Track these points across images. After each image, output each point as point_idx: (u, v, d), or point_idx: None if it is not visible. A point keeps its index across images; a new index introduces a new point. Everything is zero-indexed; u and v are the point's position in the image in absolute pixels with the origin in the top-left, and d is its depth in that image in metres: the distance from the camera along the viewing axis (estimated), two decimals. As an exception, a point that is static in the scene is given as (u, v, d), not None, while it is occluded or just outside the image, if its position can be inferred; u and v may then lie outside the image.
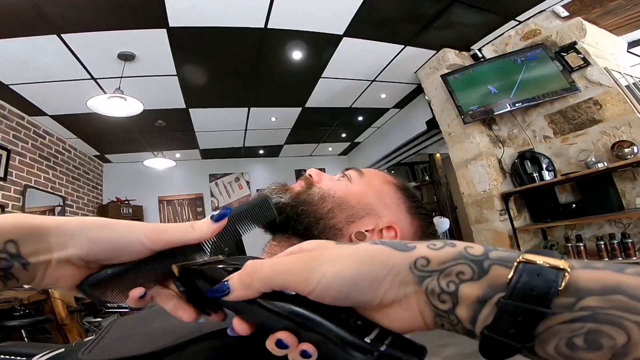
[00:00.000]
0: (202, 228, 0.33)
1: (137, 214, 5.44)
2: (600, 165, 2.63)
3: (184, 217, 5.98)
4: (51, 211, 4.20)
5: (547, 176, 3.04)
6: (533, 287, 0.21)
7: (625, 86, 2.75)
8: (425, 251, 0.24)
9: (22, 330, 2.47)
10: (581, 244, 2.73)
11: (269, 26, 2.72)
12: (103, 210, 5.09)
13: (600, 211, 2.69)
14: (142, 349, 0.39)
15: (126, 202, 5.36)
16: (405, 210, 0.57)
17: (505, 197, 3.19)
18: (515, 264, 0.22)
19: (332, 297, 0.24)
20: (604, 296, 0.19)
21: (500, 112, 3.23)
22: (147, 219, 5.67)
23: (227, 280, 0.27)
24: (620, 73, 2.86)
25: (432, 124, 4.13)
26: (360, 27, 2.88)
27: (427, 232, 0.57)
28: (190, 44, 2.85)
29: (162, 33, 2.62)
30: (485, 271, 0.22)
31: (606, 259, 2.56)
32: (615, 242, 2.53)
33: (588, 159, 2.76)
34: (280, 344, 0.25)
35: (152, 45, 2.76)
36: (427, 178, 6.11)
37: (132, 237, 0.30)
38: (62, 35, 2.51)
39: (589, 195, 2.83)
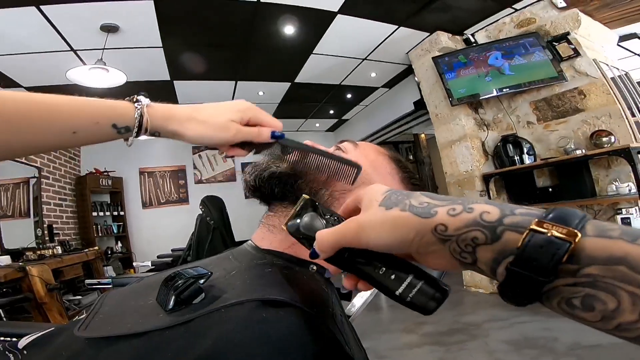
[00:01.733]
0: (264, 137, 0.51)
1: (116, 186, 5.31)
2: (578, 152, 2.77)
3: (166, 189, 5.88)
4: (25, 182, 4.04)
5: (527, 160, 3.18)
6: (535, 258, 0.22)
7: (610, 78, 2.85)
8: (444, 218, 0.27)
9: (0, 310, 2.39)
10: (553, 228, 2.91)
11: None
12: (80, 182, 4.92)
13: (574, 196, 2.86)
14: (144, 324, 0.37)
15: (105, 173, 5.20)
16: (399, 180, 0.60)
17: (486, 178, 3.33)
18: (526, 232, 0.23)
19: (382, 249, 0.30)
20: (606, 266, 0.21)
21: (487, 96, 3.30)
22: (127, 191, 5.54)
23: (314, 247, 0.34)
24: (607, 65, 2.96)
25: (420, 105, 4.17)
26: (355, 4, 2.81)
27: None
28: (178, 16, 2.72)
29: (149, 4, 2.49)
30: (498, 236, 0.25)
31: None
32: (585, 227, 2.71)
33: (567, 145, 2.90)
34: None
35: (137, 17, 2.62)
36: (410, 157, 6.24)
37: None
38: (40, 6, 2.35)
39: (565, 180, 2.99)
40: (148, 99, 0.46)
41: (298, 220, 0.37)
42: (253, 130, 0.50)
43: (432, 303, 0.29)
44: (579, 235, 0.22)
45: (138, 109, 0.44)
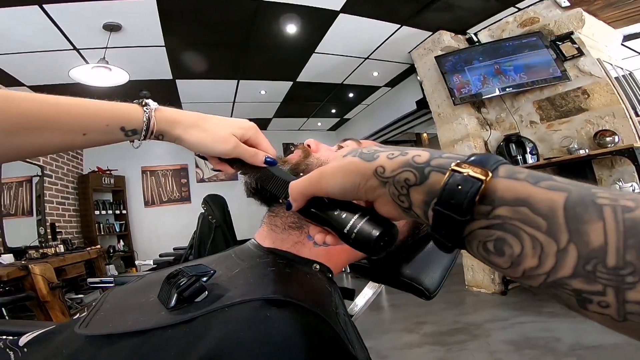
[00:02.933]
0: (257, 160, 0.52)
1: (118, 185, 5.33)
2: (581, 152, 2.76)
3: (168, 188, 5.89)
4: (28, 181, 4.06)
5: (530, 159, 3.17)
6: (453, 196, 0.23)
7: (614, 78, 2.83)
8: (383, 161, 0.28)
9: (2, 308, 2.39)
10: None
11: (264, -2, 2.62)
12: (83, 181, 4.95)
13: (576, 196, 2.85)
14: (145, 322, 0.37)
15: (108, 172, 5.22)
16: None
17: (488, 179, 3.32)
18: (448, 172, 0.24)
19: (339, 195, 0.32)
20: (513, 207, 0.21)
21: (490, 96, 3.29)
22: (129, 190, 5.56)
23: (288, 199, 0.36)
24: (611, 65, 2.94)
25: (422, 104, 4.15)
26: (358, 3, 2.80)
27: None
28: (181, 14, 2.72)
29: (152, 3, 2.49)
30: (425, 177, 0.25)
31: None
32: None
33: (571, 145, 2.88)
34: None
35: (140, 16, 2.62)
36: (412, 156, 6.21)
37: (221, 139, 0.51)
38: (43, 5, 2.36)
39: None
40: (156, 103, 0.48)
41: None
42: (250, 150, 0.52)
43: (374, 233, 0.30)
44: (490, 174, 0.22)
45: (146, 113, 0.46)
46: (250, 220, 3.89)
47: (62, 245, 3.70)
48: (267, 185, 0.49)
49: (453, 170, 0.24)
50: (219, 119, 0.51)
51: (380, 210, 0.30)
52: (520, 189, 0.21)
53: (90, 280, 2.56)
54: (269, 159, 0.52)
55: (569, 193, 0.20)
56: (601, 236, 0.18)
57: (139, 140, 0.47)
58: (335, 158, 0.33)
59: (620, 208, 0.18)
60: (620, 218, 0.18)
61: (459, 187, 0.23)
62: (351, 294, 0.72)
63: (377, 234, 0.30)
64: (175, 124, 0.48)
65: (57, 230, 4.06)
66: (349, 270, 0.62)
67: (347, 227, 0.31)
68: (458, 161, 0.24)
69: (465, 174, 0.23)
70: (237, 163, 0.53)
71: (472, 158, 0.24)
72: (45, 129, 0.39)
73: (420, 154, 0.27)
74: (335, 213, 0.33)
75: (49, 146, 0.41)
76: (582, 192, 0.20)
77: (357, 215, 0.32)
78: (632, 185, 2.53)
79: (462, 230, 0.23)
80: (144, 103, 0.47)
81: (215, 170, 0.52)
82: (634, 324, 0.17)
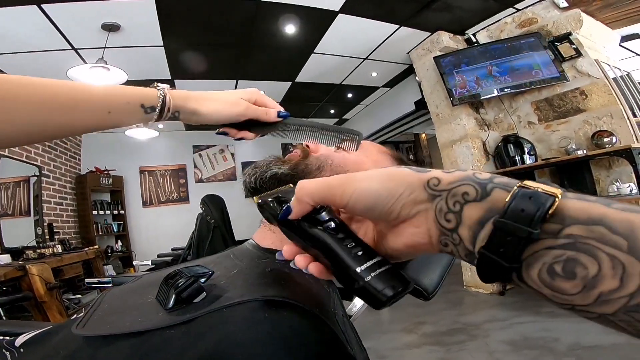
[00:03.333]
0: (272, 116, 0.55)
1: (117, 185, 5.31)
2: (579, 152, 2.76)
3: (166, 188, 5.88)
4: (26, 181, 4.04)
5: (528, 160, 3.17)
6: (523, 208, 0.22)
7: (612, 78, 2.84)
8: (438, 173, 0.27)
9: (0, 309, 2.37)
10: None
11: (263, -2, 2.62)
12: (81, 181, 4.93)
13: (575, 196, 2.86)
14: (143, 323, 0.37)
15: (106, 172, 5.20)
16: None
17: (487, 179, 3.33)
18: (515, 188, 0.23)
19: (362, 208, 0.28)
20: (587, 226, 0.20)
21: (488, 96, 3.29)
22: (127, 190, 5.55)
23: (289, 203, 0.32)
24: (609, 65, 2.95)
25: (421, 105, 4.16)
26: (357, 3, 2.80)
27: None
28: (179, 14, 2.72)
29: (151, 3, 2.48)
30: (487, 193, 0.24)
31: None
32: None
33: (569, 145, 2.89)
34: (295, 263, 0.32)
35: (139, 16, 2.62)
36: (411, 157, 6.23)
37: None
38: (42, 5, 2.35)
39: (566, 180, 2.99)
40: (168, 85, 0.51)
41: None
42: (261, 109, 0.55)
43: (387, 291, 0.26)
44: (562, 193, 0.22)
45: (160, 91, 0.49)
46: (249, 221, 3.88)
47: (59, 246, 3.68)
48: (288, 136, 0.53)
49: (522, 186, 0.23)
50: (225, 91, 0.55)
51: (405, 231, 0.28)
52: (593, 209, 0.21)
53: (88, 280, 2.54)
54: (282, 113, 0.55)
55: None
56: None
57: (156, 119, 0.50)
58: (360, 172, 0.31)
59: None
60: None
61: (530, 198, 0.22)
62: (350, 295, 0.72)
63: (392, 293, 0.26)
64: (188, 99, 0.51)
65: (55, 230, 4.05)
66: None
67: (357, 270, 0.27)
68: (525, 181, 0.24)
69: (535, 189, 0.22)
70: (254, 127, 0.56)
71: (536, 181, 0.23)
72: (76, 109, 0.43)
73: (481, 173, 0.26)
74: (347, 245, 0.28)
75: (79, 124, 0.45)
76: None
77: (374, 260, 0.27)
78: (629, 186, 2.53)
79: (523, 250, 0.21)
80: (156, 85, 0.51)
81: (237, 140, 0.56)
82: None
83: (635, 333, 0.20)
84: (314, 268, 0.30)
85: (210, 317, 0.34)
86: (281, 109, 0.56)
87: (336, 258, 0.28)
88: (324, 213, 0.31)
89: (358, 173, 0.30)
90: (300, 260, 0.31)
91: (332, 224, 0.30)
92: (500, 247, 0.22)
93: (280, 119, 0.55)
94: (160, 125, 5.48)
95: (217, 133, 0.57)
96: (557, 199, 0.21)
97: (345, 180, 0.29)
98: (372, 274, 0.27)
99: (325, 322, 0.35)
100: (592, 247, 0.20)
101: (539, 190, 0.22)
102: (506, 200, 0.23)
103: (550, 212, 0.21)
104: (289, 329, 0.32)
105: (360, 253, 0.28)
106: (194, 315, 0.35)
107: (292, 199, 0.31)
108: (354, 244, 0.29)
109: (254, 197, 0.37)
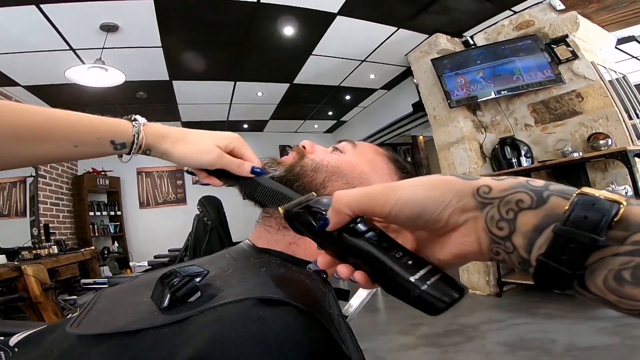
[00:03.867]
0: (244, 170, 0.52)
1: (113, 186, 5.30)
2: (575, 154, 2.77)
3: (163, 189, 5.87)
4: (22, 182, 4.02)
5: (525, 162, 3.19)
6: (587, 215, 0.21)
7: (608, 81, 2.86)
8: (489, 181, 0.26)
9: (-6, 309, 2.35)
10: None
11: (262, 0, 2.62)
12: (78, 182, 4.91)
13: (570, 199, 2.87)
14: (137, 322, 0.36)
15: (103, 173, 5.18)
16: (398, 180, 0.59)
17: (484, 181, 3.33)
18: (574, 195, 0.22)
19: (406, 217, 0.28)
20: None
21: (485, 98, 3.31)
22: (124, 191, 5.53)
23: (325, 214, 0.31)
24: (605, 68, 2.97)
25: (418, 107, 4.17)
26: (355, 6, 2.81)
27: None
28: (178, 15, 2.72)
29: (149, 4, 2.49)
30: (544, 200, 0.23)
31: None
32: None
33: (565, 148, 2.90)
34: (338, 273, 0.31)
35: (137, 16, 2.62)
36: (409, 159, 6.24)
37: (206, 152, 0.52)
38: (40, 5, 2.35)
39: (562, 182, 2.95)
40: (144, 119, 0.50)
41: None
42: (235, 161, 0.52)
43: (446, 298, 0.26)
44: (627, 200, 0.21)
45: (135, 127, 0.48)
46: (246, 222, 3.86)
47: (55, 246, 3.66)
48: (255, 195, 0.49)
49: (582, 193, 0.22)
50: (203, 132, 0.53)
51: (451, 240, 0.27)
52: None
53: (84, 281, 2.53)
54: (256, 169, 0.53)
55: None
56: None
57: (127, 154, 0.49)
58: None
59: None
60: None
61: (593, 205, 0.21)
62: (346, 295, 0.72)
63: (450, 301, 0.26)
64: (163, 139, 0.50)
65: (51, 231, 4.02)
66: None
67: (411, 279, 0.26)
68: (582, 188, 0.23)
69: (598, 196, 0.22)
70: (224, 175, 0.53)
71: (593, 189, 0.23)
72: (39, 140, 0.41)
73: (534, 180, 0.25)
74: (394, 254, 0.28)
75: (42, 156, 0.43)
76: None
77: (426, 269, 0.27)
78: (624, 188, 2.55)
79: (587, 257, 0.21)
80: (133, 118, 0.48)
81: (203, 185, 0.54)
82: None
83: None
84: (360, 277, 0.30)
85: (204, 316, 0.34)
86: (258, 164, 0.54)
87: (384, 268, 0.28)
88: (361, 224, 0.30)
89: (400, 182, 0.29)
90: (344, 270, 0.30)
91: (373, 234, 0.30)
92: (562, 255, 0.22)
93: (252, 175, 0.52)
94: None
95: (185, 172, 0.57)
96: (622, 206, 0.21)
97: (388, 189, 0.28)
98: (428, 282, 0.26)
99: (320, 321, 0.35)
100: None
101: (602, 197, 0.22)
102: (566, 207, 0.22)
103: (615, 219, 0.21)
104: (283, 328, 0.32)
105: (410, 262, 0.27)
106: (188, 314, 0.35)
107: (329, 210, 0.31)
108: (401, 253, 0.28)
109: (279, 208, 0.36)
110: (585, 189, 0.23)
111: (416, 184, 0.28)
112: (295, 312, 0.34)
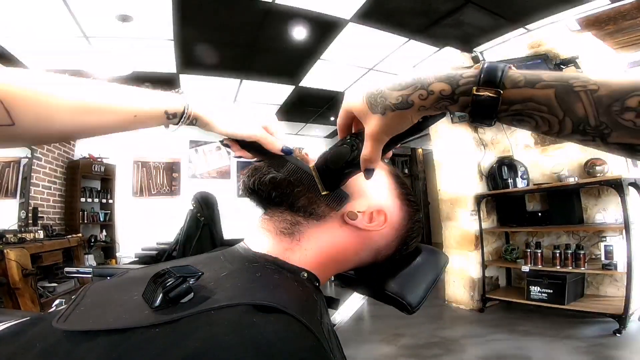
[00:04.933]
0: (276, 147, 0.57)
1: (108, 173, 5.24)
2: (571, 179, 2.77)
3: (158, 181, 5.83)
4: (16, 162, 3.98)
5: (521, 184, 3.20)
6: (482, 107, 0.35)
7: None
8: (418, 102, 0.39)
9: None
10: (539, 251, 2.90)
11: (277, 1, 2.64)
12: (73, 166, 4.86)
13: (562, 222, 2.88)
14: (127, 320, 0.36)
15: (99, 159, 5.14)
16: (396, 196, 0.59)
17: (478, 199, 3.35)
18: (471, 98, 0.35)
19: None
20: (523, 103, 0.33)
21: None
22: (118, 179, 5.47)
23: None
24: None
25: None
26: (368, 14, 2.83)
27: (413, 219, 0.60)
28: (193, 10, 2.74)
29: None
30: (456, 100, 0.37)
31: (558, 267, 2.74)
32: (570, 252, 2.70)
33: (561, 172, 2.92)
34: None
35: (153, 8, 2.64)
36: (406, 171, 6.25)
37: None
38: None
39: (555, 206, 3.02)
40: (184, 91, 0.55)
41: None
42: (270, 137, 0.57)
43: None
44: (501, 92, 0.33)
45: (185, 100, 0.53)
46: (239, 220, 3.85)
47: (42, 231, 3.61)
48: (281, 170, 0.54)
49: (475, 94, 0.35)
50: (243, 107, 0.58)
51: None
52: (524, 93, 0.33)
53: (67, 269, 2.47)
54: (286, 148, 0.57)
55: (556, 88, 0.31)
56: (582, 109, 0.30)
57: (175, 125, 0.53)
58: (369, 119, 0.42)
59: (589, 91, 0.30)
60: (591, 97, 0.30)
61: (484, 101, 0.34)
62: (335, 304, 0.72)
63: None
64: (209, 111, 0.55)
65: (39, 215, 3.97)
66: (333, 279, 0.62)
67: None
68: (475, 87, 0.35)
69: (484, 97, 0.34)
70: (255, 149, 0.58)
71: (482, 79, 0.34)
72: (105, 111, 0.47)
73: (444, 88, 0.37)
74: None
75: (106, 125, 0.48)
76: (564, 85, 0.31)
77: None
78: (614, 216, 2.59)
79: (494, 114, 0.35)
80: (180, 92, 0.54)
81: (236, 157, 0.58)
82: (616, 150, 0.31)
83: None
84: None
85: (196, 319, 0.34)
86: (287, 143, 0.58)
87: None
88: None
89: (376, 130, 0.42)
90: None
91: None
92: (478, 116, 0.36)
93: (282, 153, 0.57)
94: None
95: (222, 143, 0.60)
96: (499, 99, 0.34)
97: (379, 136, 0.43)
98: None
99: (311, 330, 0.35)
100: (531, 113, 0.33)
101: (488, 96, 0.34)
102: (469, 102, 0.36)
103: (498, 107, 0.34)
104: (275, 335, 0.32)
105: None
106: (180, 315, 0.35)
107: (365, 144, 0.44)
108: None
109: (311, 166, 0.50)
110: (476, 92, 0.35)
111: (387, 126, 0.41)
112: (288, 320, 0.34)
